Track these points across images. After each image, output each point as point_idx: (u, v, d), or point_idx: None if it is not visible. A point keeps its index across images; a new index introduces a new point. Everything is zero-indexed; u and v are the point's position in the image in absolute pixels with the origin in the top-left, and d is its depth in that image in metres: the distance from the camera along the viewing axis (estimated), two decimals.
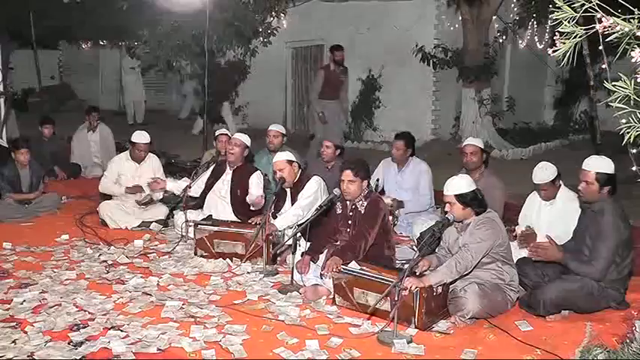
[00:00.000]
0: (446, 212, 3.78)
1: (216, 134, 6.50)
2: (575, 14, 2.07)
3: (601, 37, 2.07)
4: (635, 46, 2.02)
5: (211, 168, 5.68)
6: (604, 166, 3.64)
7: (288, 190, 4.95)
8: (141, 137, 5.94)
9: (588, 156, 3.81)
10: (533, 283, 3.92)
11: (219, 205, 5.36)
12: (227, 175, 5.41)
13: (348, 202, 4.31)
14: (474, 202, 3.71)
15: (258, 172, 5.41)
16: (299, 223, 4.67)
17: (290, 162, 4.84)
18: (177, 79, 13.83)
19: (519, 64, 12.13)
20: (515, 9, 10.63)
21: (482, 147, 5.09)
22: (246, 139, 5.41)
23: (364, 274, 3.73)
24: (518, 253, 4.24)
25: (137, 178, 5.96)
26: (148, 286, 4.22)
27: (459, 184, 3.74)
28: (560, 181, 4.37)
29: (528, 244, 4.04)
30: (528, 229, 4.32)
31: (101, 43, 16.02)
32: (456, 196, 3.70)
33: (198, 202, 5.57)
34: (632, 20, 2.00)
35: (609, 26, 2.01)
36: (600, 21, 2.03)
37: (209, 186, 5.47)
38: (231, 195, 5.35)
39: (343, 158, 5.71)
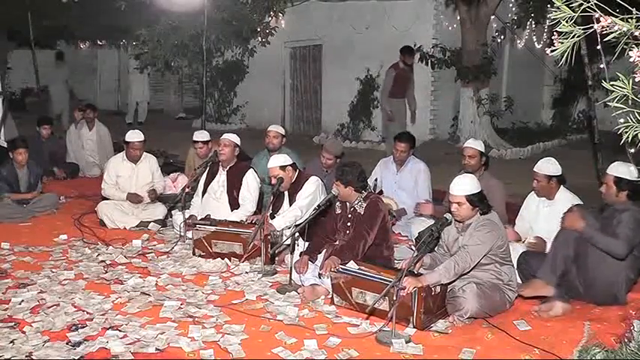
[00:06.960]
0: (450, 212, 3.75)
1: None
2: (574, 14, 2.07)
3: (599, 36, 2.07)
4: (633, 45, 2.02)
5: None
6: (623, 172, 3.80)
7: (285, 190, 4.94)
8: (135, 136, 5.93)
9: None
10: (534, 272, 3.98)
11: (215, 206, 5.36)
12: (221, 176, 5.41)
13: (347, 203, 4.31)
14: (482, 202, 3.69)
15: (252, 170, 5.41)
16: (297, 223, 4.67)
17: (283, 167, 4.81)
18: (176, 78, 13.83)
19: (517, 64, 12.13)
20: (514, 9, 10.63)
21: (482, 150, 4.99)
22: (234, 138, 5.41)
23: (362, 274, 3.72)
24: (517, 252, 4.24)
25: (134, 178, 5.95)
26: (147, 286, 4.21)
27: (468, 184, 3.69)
28: (560, 184, 4.36)
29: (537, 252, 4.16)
30: (538, 239, 4.34)
31: (99, 42, 16.01)
32: (466, 196, 3.65)
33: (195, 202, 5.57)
34: (630, 20, 2.00)
35: (607, 26, 2.02)
36: (598, 21, 2.03)
37: (204, 188, 5.48)
38: (228, 195, 5.34)
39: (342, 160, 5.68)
